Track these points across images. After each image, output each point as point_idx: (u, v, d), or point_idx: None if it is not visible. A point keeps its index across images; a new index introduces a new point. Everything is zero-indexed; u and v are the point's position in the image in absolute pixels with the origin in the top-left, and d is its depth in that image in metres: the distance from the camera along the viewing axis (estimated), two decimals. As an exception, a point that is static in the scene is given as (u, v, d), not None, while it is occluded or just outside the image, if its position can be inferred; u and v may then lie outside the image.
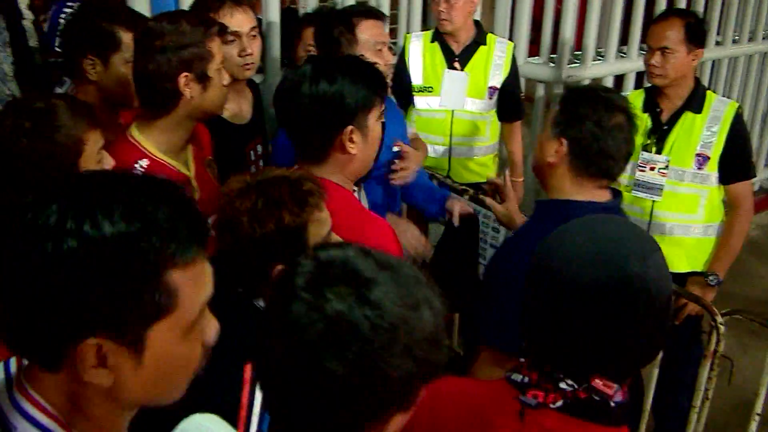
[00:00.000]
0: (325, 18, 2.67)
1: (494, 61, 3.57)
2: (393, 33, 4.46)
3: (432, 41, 3.61)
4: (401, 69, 3.63)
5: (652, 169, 3.01)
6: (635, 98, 3.11)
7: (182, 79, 2.00)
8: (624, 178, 3.08)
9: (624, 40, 4.76)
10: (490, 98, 3.58)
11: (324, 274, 0.94)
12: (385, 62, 2.60)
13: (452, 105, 3.57)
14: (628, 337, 1.21)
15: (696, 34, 2.94)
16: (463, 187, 3.27)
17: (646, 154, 3.02)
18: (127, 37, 2.20)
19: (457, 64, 3.56)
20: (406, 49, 3.65)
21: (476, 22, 3.64)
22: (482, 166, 3.68)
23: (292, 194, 1.55)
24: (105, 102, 2.28)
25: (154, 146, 2.08)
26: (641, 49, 4.62)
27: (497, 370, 1.95)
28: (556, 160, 2.02)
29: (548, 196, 2.12)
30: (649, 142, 3.03)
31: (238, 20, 2.49)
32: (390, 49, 2.67)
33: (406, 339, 0.92)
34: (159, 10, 2.61)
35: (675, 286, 2.64)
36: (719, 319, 2.46)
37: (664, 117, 3.03)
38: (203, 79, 2.03)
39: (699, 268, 3.06)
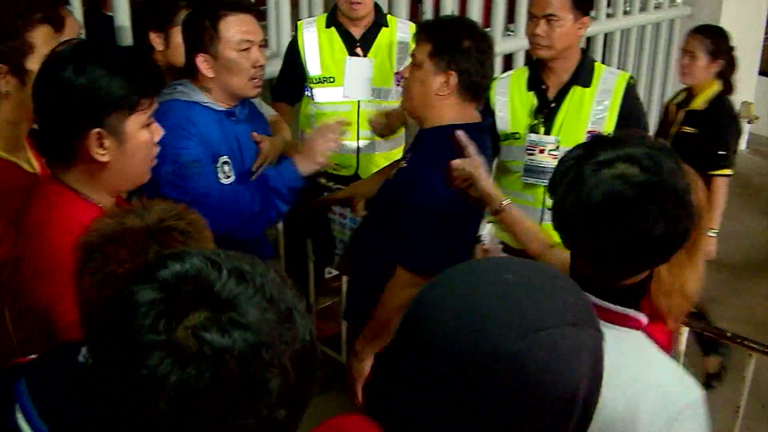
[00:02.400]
0: (192, 10, 2.33)
1: (398, 44, 3.24)
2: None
3: (327, 26, 3.24)
4: (292, 59, 3.28)
5: (541, 151, 2.72)
6: (518, 77, 2.83)
7: None
8: (513, 164, 2.80)
9: (510, 17, 4.50)
10: (398, 85, 3.21)
11: (176, 300, 0.76)
12: (252, 63, 2.26)
13: (357, 95, 3.23)
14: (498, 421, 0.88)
15: (582, 1, 2.66)
16: (338, 186, 2.97)
17: (533, 136, 2.73)
18: None
19: (359, 50, 3.22)
20: (299, 38, 3.27)
21: (375, 4, 3.27)
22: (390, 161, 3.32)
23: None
24: None
25: None
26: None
27: (410, 290, 2.07)
28: (447, 92, 2.13)
29: (426, 126, 2.18)
30: (536, 122, 2.74)
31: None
32: (261, 47, 2.31)
33: (289, 353, 0.79)
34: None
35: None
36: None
37: (551, 94, 2.75)
38: (20, 74, 1.81)
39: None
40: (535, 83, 2.77)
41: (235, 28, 2.24)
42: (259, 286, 0.80)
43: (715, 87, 3.42)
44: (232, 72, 2.25)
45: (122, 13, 3.03)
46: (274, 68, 3.32)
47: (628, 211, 1.21)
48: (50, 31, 1.85)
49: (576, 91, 2.72)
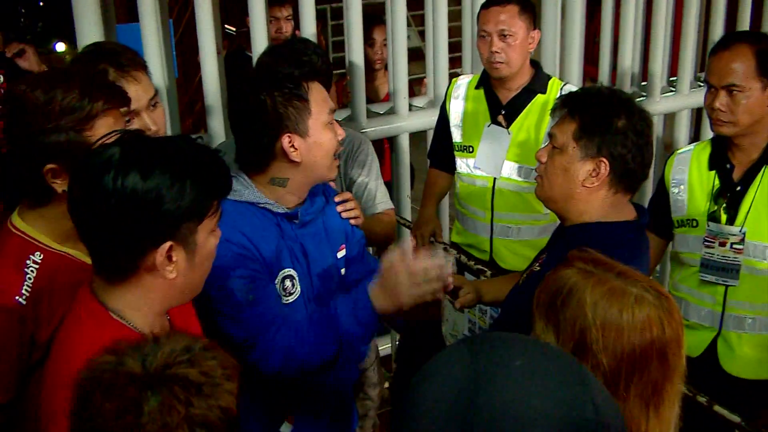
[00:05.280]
0: (253, 79, 1.94)
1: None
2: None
3: (477, 87, 2.89)
4: (442, 121, 2.98)
5: (722, 244, 2.31)
6: (700, 153, 2.43)
7: (48, 172, 1.60)
8: (688, 257, 2.40)
9: (673, 68, 4.07)
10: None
11: None
12: (339, 139, 1.92)
13: (488, 170, 2.83)
14: None
15: None
16: (479, 266, 2.63)
17: (714, 225, 2.32)
18: None
19: (501, 119, 2.80)
20: (447, 98, 2.95)
21: (534, 63, 2.84)
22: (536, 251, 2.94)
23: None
24: None
25: (46, 236, 1.70)
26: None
27: None
28: (595, 183, 1.79)
29: (569, 222, 1.86)
30: (716, 208, 2.33)
31: (134, 94, 1.88)
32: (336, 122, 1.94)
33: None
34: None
35: (743, 422, 1.93)
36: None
37: (737, 175, 2.34)
38: None
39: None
40: (719, 161, 2.37)
41: (320, 96, 1.86)
42: None
43: None
44: (321, 152, 1.86)
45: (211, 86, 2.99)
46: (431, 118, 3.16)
47: None
48: (115, 117, 1.64)
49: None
